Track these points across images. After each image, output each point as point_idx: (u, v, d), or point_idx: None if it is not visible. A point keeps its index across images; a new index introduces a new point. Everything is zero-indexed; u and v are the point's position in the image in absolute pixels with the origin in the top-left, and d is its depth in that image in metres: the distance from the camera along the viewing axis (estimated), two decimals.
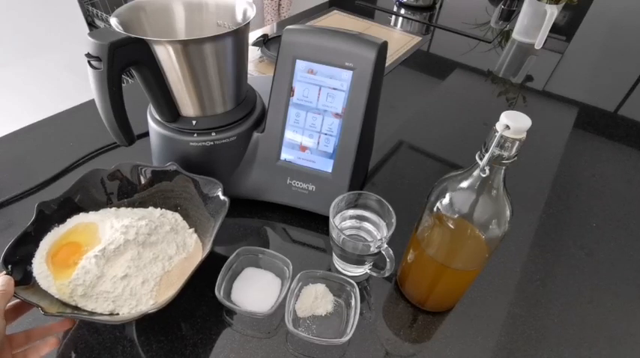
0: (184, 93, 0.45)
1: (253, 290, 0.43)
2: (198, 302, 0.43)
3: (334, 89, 0.47)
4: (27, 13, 1.43)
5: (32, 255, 0.39)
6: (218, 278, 0.41)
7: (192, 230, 0.45)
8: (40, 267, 0.38)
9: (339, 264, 0.47)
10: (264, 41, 0.87)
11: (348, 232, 0.48)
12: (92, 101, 0.42)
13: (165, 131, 0.48)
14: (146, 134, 0.52)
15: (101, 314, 0.37)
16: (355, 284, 0.42)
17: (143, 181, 0.47)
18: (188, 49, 0.41)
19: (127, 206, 0.46)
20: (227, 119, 0.48)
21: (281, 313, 0.41)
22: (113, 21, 0.41)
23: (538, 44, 0.97)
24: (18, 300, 0.35)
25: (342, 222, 0.47)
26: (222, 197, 0.44)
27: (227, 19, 0.48)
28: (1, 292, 0.32)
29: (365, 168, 0.59)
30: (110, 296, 0.37)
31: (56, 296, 0.37)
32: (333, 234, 0.43)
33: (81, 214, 0.43)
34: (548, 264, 0.50)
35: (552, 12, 0.90)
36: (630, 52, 1.06)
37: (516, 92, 0.85)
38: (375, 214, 0.46)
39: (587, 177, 0.64)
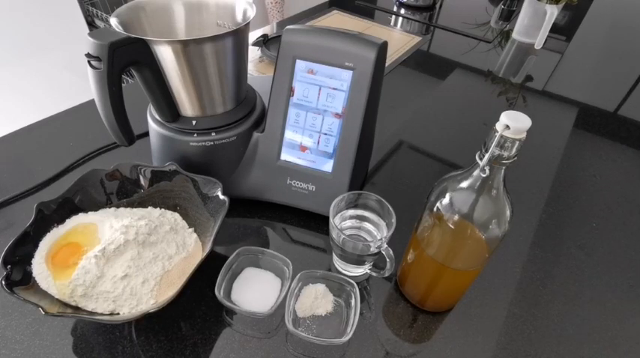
0: (184, 93, 0.45)
1: (253, 290, 0.43)
2: (198, 302, 0.43)
3: (334, 89, 0.47)
4: (27, 13, 1.43)
5: (32, 256, 0.39)
6: (218, 278, 0.41)
7: (191, 229, 0.45)
8: (39, 267, 0.38)
9: (339, 264, 0.47)
10: (264, 41, 0.87)
11: (348, 232, 0.48)
12: (92, 101, 0.42)
13: (166, 131, 0.48)
14: (146, 134, 0.52)
15: (101, 314, 0.37)
16: (355, 284, 0.42)
17: (142, 181, 0.47)
18: (188, 49, 0.41)
19: (127, 206, 0.46)
20: (227, 119, 0.48)
21: (281, 313, 0.41)
22: (113, 21, 0.41)
23: (538, 44, 0.97)
24: None
25: (342, 222, 0.47)
26: (221, 197, 0.44)
27: (227, 19, 0.48)
28: None
29: (365, 168, 0.59)
30: (110, 296, 0.37)
31: (56, 297, 0.37)
32: (333, 234, 0.43)
33: (80, 214, 0.43)
34: (548, 263, 0.50)
35: (552, 12, 0.90)
36: (630, 52, 1.06)
37: (516, 92, 0.85)
38: (375, 214, 0.46)
39: (587, 177, 0.64)
